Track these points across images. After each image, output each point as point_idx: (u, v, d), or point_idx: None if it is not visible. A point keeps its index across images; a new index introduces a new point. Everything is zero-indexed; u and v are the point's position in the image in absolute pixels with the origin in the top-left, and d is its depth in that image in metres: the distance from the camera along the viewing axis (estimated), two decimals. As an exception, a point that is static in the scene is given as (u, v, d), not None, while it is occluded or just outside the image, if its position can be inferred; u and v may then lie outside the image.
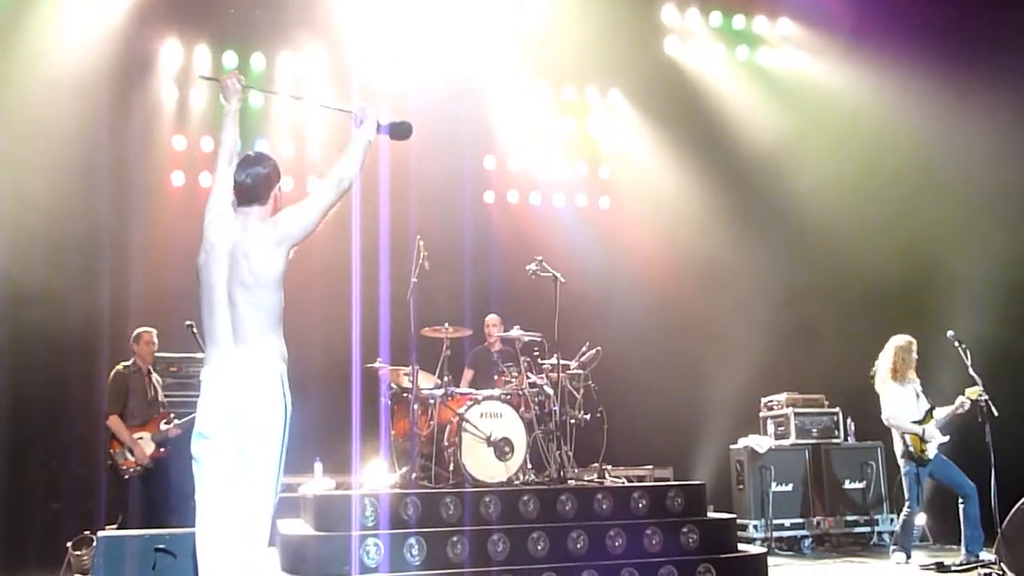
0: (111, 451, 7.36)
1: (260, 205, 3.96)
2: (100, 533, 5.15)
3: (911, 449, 7.54)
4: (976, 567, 6.83)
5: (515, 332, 7.73)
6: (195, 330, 6.69)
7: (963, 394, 7.27)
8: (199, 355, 7.00)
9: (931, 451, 7.49)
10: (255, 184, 3.95)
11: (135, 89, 9.91)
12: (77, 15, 9.38)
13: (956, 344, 7.20)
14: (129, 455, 7.33)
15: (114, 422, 7.40)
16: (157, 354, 8.00)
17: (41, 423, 8.83)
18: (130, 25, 9.63)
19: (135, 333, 7.78)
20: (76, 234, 9.10)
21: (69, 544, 7.18)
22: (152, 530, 5.75)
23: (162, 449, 7.44)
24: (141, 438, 7.39)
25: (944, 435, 7.53)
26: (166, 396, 7.98)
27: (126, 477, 7.30)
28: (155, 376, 7.79)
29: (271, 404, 3.76)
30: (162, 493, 7.35)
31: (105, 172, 9.58)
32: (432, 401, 7.15)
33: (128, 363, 7.64)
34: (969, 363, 7.15)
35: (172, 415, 7.48)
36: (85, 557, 7.21)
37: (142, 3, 9.71)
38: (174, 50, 10.20)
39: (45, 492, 8.77)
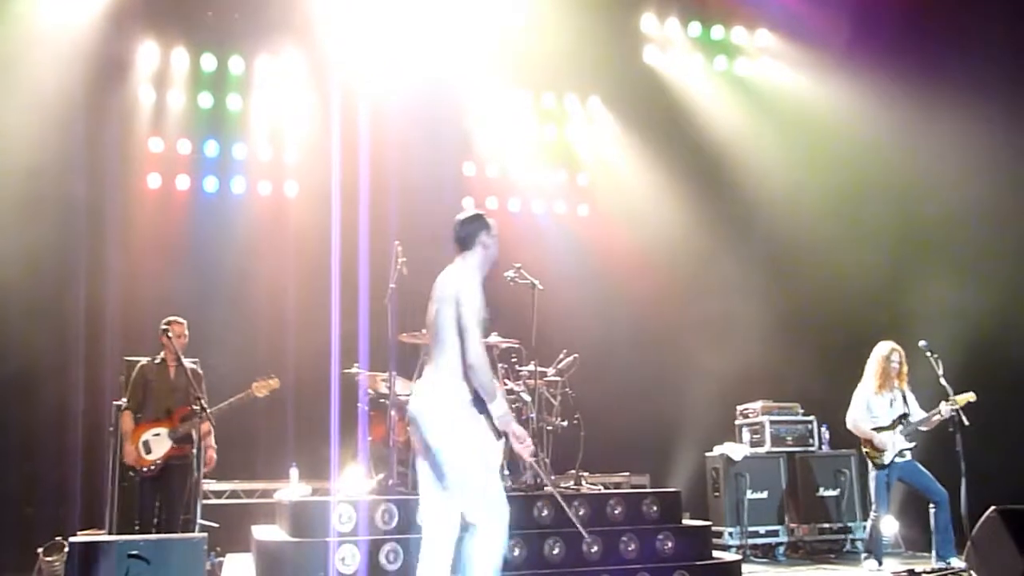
0: (122, 448, 6.87)
1: None
2: (72, 539, 5.10)
3: (865, 452, 7.71)
4: (947, 573, 6.88)
5: (492, 339, 7.73)
6: (169, 334, 6.67)
7: (946, 401, 7.29)
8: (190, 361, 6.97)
9: (887, 457, 7.56)
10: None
11: (112, 91, 9.84)
12: (53, 16, 9.31)
13: (928, 354, 7.26)
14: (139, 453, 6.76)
15: (122, 417, 6.90)
16: (130, 358, 7.77)
17: (15, 427, 8.72)
18: (107, 26, 9.57)
19: (162, 323, 7.07)
20: (52, 236, 9.03)
21: (40, 550, 7.09)
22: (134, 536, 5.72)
23: (186, 446, 6.75)
24: (158, 435, 6.75)
25: (910, 442, 7.59)
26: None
27: (145, 477, 6.70)
28: (187, 366, 6.89)
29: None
30: (175, 496, 6.71)
31: (81, 174, 9.52)
32: (409, 407, 7.11)
33: (155, 358, 7.03)
34: (941, 373, 7.21)
35: (199, 409, 6.57)
36: (56, 563, 7.13)
37: (119, 4, 9.66)
38: (151, 52, 10.14)
39: (19, 497, 8.65)
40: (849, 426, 7.83)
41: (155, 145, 10.19)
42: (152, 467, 6.67)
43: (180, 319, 7.08)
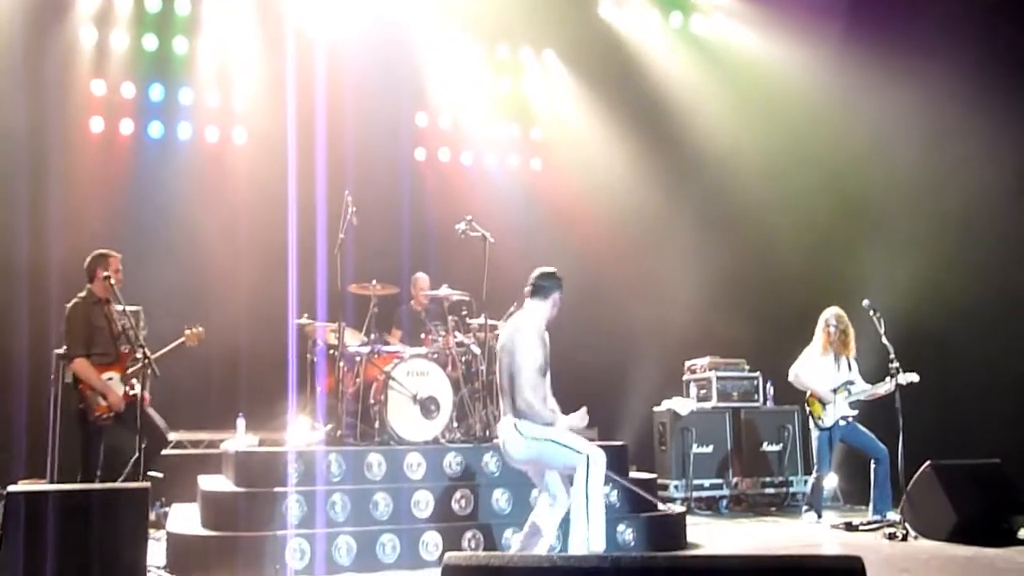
0: (84, 396, 6.37)
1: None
2: (11, 488, 5.00)
3: (808, 411, 7.90)
4: (883, 526, 7.09)
5: (443, 291, 7.72)
6: (112, 281, 6.42)
7: (891, 378, 7.42)
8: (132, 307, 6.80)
9: (827, 420, 7.75)
10: None
11: (51, 30, 9.52)
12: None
13: (871, 313, 7.39)
14: (102, 400, 6.35)
15: (81, 366, 6.37)
16: (68, 305, 7.57)
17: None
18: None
19: (94, 256, 6.61)
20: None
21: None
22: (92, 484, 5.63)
23: (132, 392, 6.37)
24: (111, 379, 6.41)
25: (853, 410, 7.77)
26: None
27: (99, 426, 6.36)
28: (115, 307, 6.57)
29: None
30: (128, 442, 6.18)
31: (21, 117, 9.23)
32: (358, 359, 7.10)
33: (83, 294, 6.55)
34: (883, 331, 7.34)
35: (144, 352, 6.11)
36: (-4, 513, 7.01)
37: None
38: (93, -11, 9.81)
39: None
40: (790, 378, 7.99)
41: (98, 88, 9.90)
42: (112, 415, 6.36)
43: (113, 252, 6.66)
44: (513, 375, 5.11)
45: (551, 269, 5.43)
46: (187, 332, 6.80)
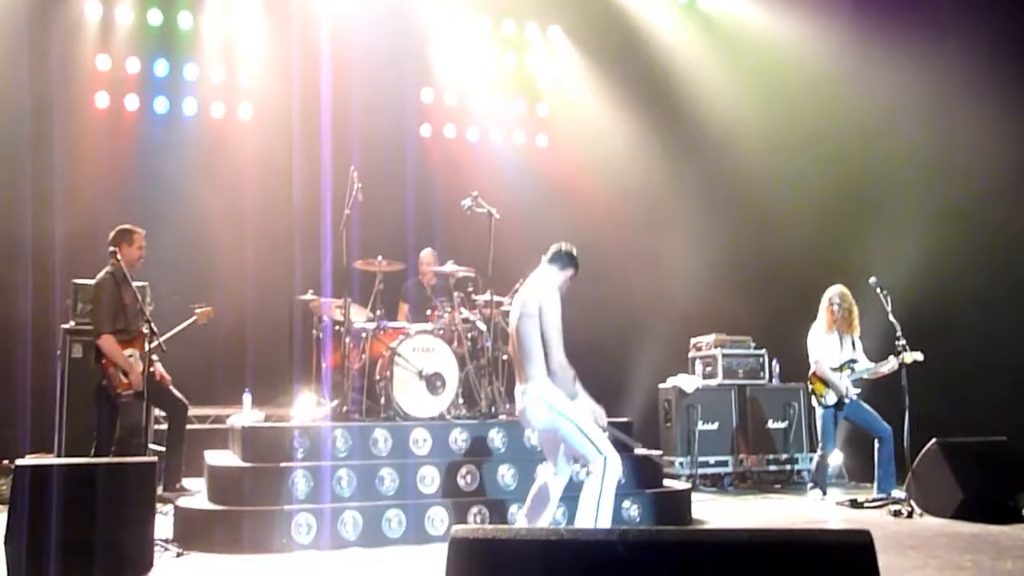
0: (106, 372, 6.34)
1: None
2: (19, 461, 5.02)
3: (811, 390, 7.91)
4: (888, 503, 7.09)
5: (449, 267, 7.70)
6: (118, 256, 6.34)
7: (895, 356, 7.42)
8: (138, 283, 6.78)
9: (830, 399, 7.75)
10: None
11: (55, 5, 9.47)
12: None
13: (878, 290, 7.36)
14: (123, 378, 6.32)
15: (108, 342, 6.32)
16: (78, 281, 7.57)
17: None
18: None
19: (116, 231, 6.57)
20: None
21: (-15, 472, 7.00)
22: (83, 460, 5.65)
23: (152, 370, 6.33)
24: (131, 356, 6.38)
25: (855, 387, 7.76)
26: (83, 324, 7.31)
27: (116, 403, 6.33)
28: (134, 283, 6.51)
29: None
30: (135, 420, 6.27)
31: (26, 92, 9.21)
32: (364, 335, 7.10)
33: (109, 269, 6.43)
34: (890, 309, 7.31)
35: (150, 327, 5.95)
36: (3, 486, 7.07)
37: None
38: (98, -36, 9.76)
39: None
40: (816, 367, 7.91)
41: (102, 63, 9.87)
42: (131, 392, 6.32)
43: (137, 228, 6.63)
44: (547, 338, 4.98)
45: (574, 250, 5.36)
46: (196, 311, 6.81)
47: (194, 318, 6.82)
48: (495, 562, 2.44)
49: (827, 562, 2.27)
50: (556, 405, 4.96)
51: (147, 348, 6.02)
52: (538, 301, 5.02)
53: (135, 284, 6.49)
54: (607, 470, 4.92)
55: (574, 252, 5.35)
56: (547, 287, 5.12)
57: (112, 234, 6.57)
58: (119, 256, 6.37)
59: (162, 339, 6.27)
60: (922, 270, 8.78)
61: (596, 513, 4.88)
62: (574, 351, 5.30)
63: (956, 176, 9.21)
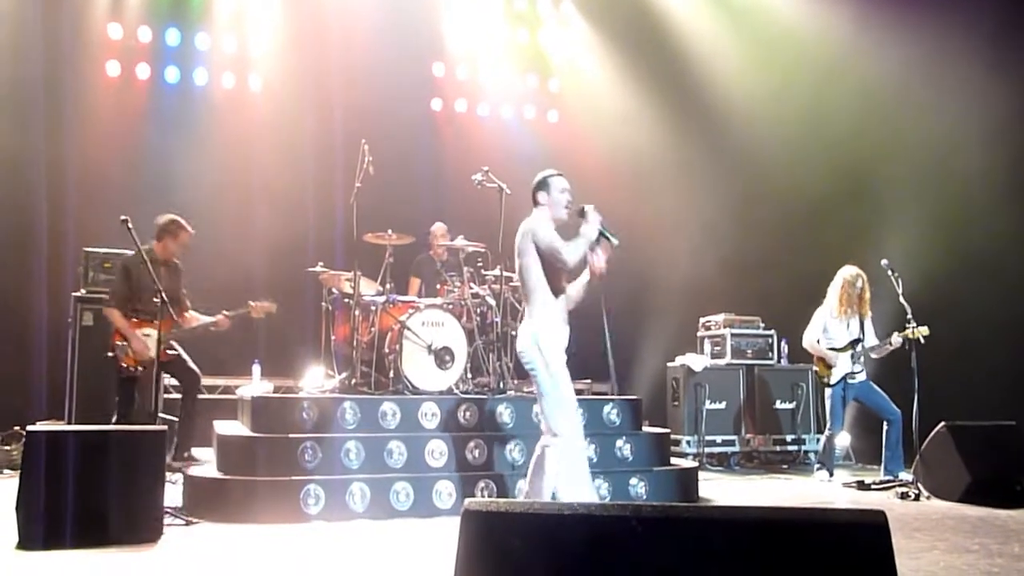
0: (114, 345, 6.60)
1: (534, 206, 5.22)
2: (30, 428, 5.04)
3: (814, 370, 7.93)
4: (895, 485, 7.09)
5: (459, 242, 7.68)
6: (129, 225, 6.34)
7: (899, 332, 7.39)
8: (130, 251, 6.78)
9: (834, 377, 7.74)
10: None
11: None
12: None
13: (889, 273, 7.32)
14: (130, 351, 6.59)
15: (113, 315, 6.65)
16: (90, 249, 7.67)
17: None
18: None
19: (169, 220, 6.90)
20: (7, 125, 8.78)
21: (-3, 438, 7.06)
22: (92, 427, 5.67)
23: (171, 352, 6.71)
24: (147, 335, 6.62)
25: (859, 368, 7.74)
26: (94, 292, 7.54)
27: (124, 376, 6.61)
28: (180, 268, 7.00)
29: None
30: (146, 392, 6.42)
31: (38, 60, 9.18)
32: (373, 308, 7.09)
33: (146, 247, 6.50)
34: (901, 291, 7.28)
35: (161, 296, 5.85)
36: (14, 452, 7.11)
37: None
38: (108, -69, 9.69)
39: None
40: (805, 344, 7.96)
41: (114, 31, 9.84)
42: (139, 367, 6.58)
43: (188, 227, 6.96)
44: (543, 250, 4.95)
45: (540, 176, 5.29)
46: (254, 305, 6.93)
47: (246, 309, 6.93)
48: (507, 536, 2.43)
49: (842, 541, 2.26)
50: (544, 350, 4.91)
51: (171, 331, 6.45)
52: (529, 236, 5.01)
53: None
54: (560, 453, 4.80)
55: (544, 174, 5.25)
56: (532, 221, 5.09)
57: (164, 221, 6.86)
58: (163, 242, 6.81)
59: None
60: (932, 251, 8.74)
61: (545, 499, 4.70)
62: (582, 327, 5.28)
63: (971, 154, 9.12)
